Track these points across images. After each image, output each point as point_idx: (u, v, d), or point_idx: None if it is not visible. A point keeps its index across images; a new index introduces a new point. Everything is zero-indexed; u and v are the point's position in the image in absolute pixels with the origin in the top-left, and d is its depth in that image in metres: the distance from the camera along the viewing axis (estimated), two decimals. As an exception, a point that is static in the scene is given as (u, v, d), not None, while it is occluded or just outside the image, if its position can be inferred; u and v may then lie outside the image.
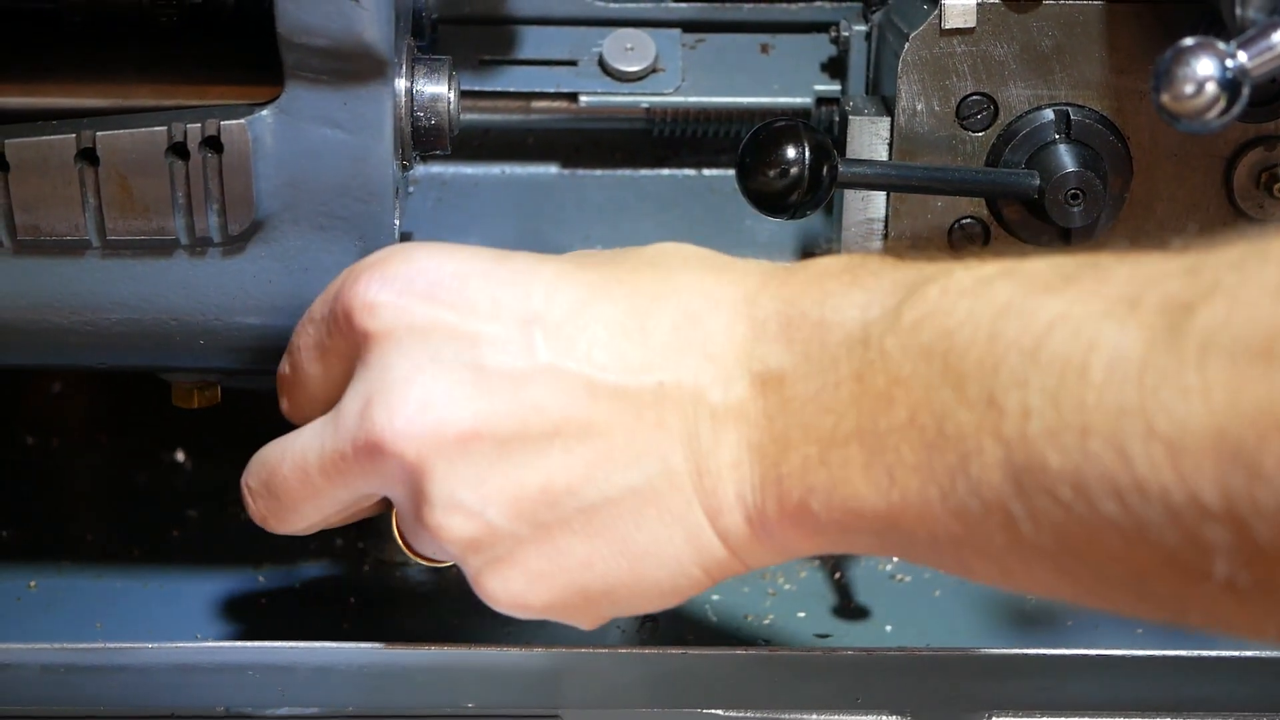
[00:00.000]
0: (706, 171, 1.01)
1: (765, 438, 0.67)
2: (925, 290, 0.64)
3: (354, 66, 0.76)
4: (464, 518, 0.69)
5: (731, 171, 1.00)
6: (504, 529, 0.69)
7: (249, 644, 0.86)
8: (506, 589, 0.71)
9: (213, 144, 0.77)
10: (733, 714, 0.87)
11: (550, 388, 0.68)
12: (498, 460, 0.68)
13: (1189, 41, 0.66)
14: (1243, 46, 0.66)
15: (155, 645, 0.86)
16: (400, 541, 0.77)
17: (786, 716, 0.87)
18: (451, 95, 0.82)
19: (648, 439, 0.68)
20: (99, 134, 0.77)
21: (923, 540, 0.63)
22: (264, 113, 0.77)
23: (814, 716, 0.87)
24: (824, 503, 0.65)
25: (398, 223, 0.82)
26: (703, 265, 0.72)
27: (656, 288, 0.70)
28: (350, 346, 0.71)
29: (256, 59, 0.78)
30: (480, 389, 0.68)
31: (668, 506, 0.68)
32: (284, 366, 0.76)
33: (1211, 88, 0.65)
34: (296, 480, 0.73)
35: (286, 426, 1.11)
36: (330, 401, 0.73)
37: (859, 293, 0.67)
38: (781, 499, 0.67)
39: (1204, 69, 0.65)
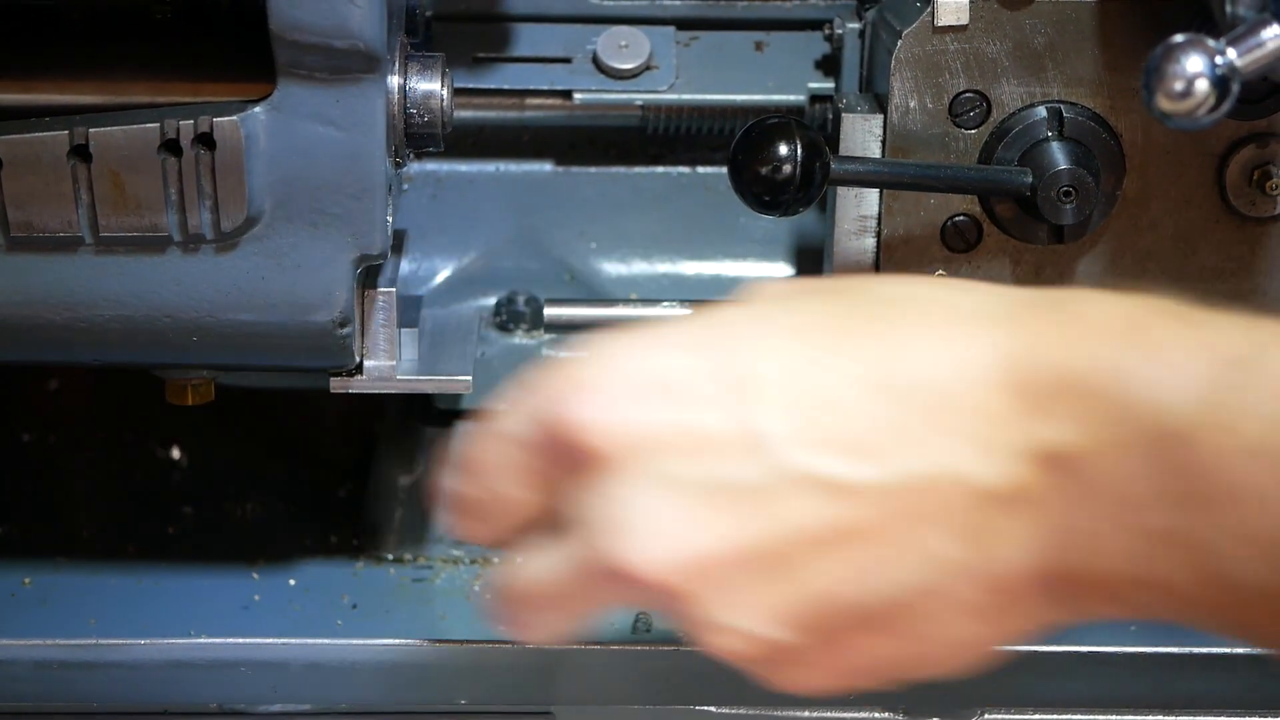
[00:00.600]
0: (701, 169, 1.02)
1: (1059, 523, 0.61)
2: (1257, 371, 0.57)
3: (347, 63, 0.76)
4: (740, 640, 0.64)
5: (725, 169, 1.01)
6: (779, 641, 0.64)
7: (242, 640, 0.87)
8: (800, 686, 0.67)
9: (205, 141, 0.77)
10: (725, 710, 0.88)
11: (799, 499, 0.62)
12: (761, 580, 0.63)
13: (1179, 38, 0.66)
14: (1232, 44, 0.66)
15: (148, 642, 0.86)
16: None
17: (779, 713, 0.87)
18: (444, 92, 0.82)
19: (915, 536, 0.62)
20: (92, 130, 0.77)
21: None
22: (257, 110, 0.77)
23: (807, 713, 0.88)
24: (1133, 587, 0.61)
25: (390, 220, 0.82)
26: (943, 316, 0.64)
27: (894, 353, 0.63)
28: (559, 469, 0.65)
29: (250, 56, 0.78)
30: (723, 508, 0.62)
31: (954, 597, 0.63)
32: (464, 486, 0.69)
33: (1201, 85, 0.65)
34: (554, 612, 0.68)
35: (284, 429, 1.11)
36: (531, 518, 0.68)
37: (1159, 366, 0.59)
38: (1085, 581, 0.62)
39: (1194, 66, 0.65)
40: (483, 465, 0.67)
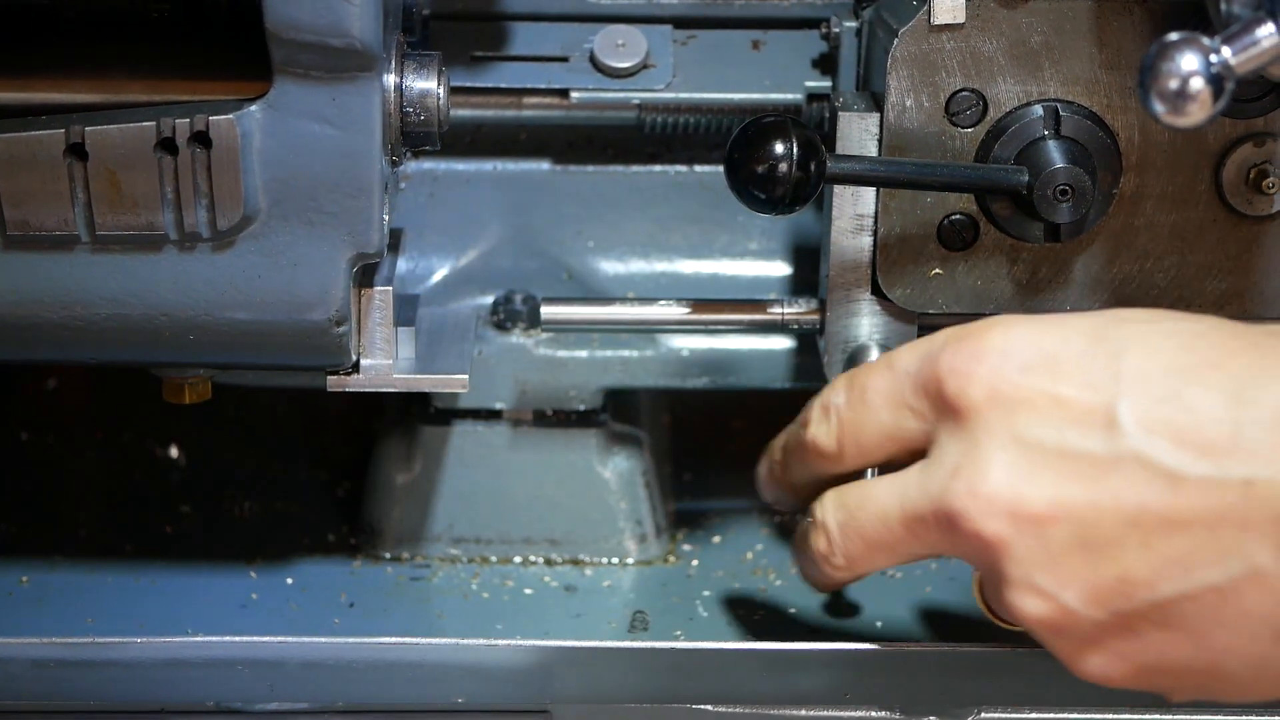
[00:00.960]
0: (698, 167, 1.01)
1: None
2: None
3: (343, 62, 0.76)
4: (1040, 600, 0.69)
5: (723, 167, 1.01)
6: (1080, 614, 0.69)
7: (239, 639, 0.86)
8: (1085, 670, 0.72)
9: (201, 139, 0.77)
10: (723, 709, 0.88)
11: (1132, 478, 0.67)
12: (1075, 546, 0.68)
13: (1173, 37, 0.66)
14: (1227, 42, 0.66)
15: (145, 640, 0.86)
16: (980, 601, 0.78)
17: (776, 712, 0.87)
18: (441, 91, 0.82)
19: (1231, 538, 0.66)
20: (88, 129, 0.77)
21: None
22: (253, 108, 0.77)
23: (804, 712, 0.88)
24: None
25: (387, 218, 0.82)
26: None
27: (1259, 368, 0.68)
28: (933, 409, 0.73)
29: (246, 55, 0.78)
30: (1062, 473, 0.68)
31: (1253, 607, 0.67)
32: (837, 399, 0.78)
33: (1196, 83, 0.65)
34: (877, 528, 0.76)
35: (283, 422, 1.11)
36: (883, 446, 0.76)
37: None
38: None
39: (1188, 64, 0.65)
40: (859, 383, 0.76)
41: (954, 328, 0.75)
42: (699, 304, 0.94)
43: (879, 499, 0.76)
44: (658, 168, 1.01)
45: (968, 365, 0.71)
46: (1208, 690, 0.70)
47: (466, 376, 0.87)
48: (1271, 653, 0.67)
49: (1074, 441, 0.68)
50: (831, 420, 0.79)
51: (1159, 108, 0.66)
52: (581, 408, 1.00)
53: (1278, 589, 0.66)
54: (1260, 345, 0.69)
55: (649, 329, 0.97)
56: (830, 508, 0.79)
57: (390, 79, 0.80)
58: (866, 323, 0.90)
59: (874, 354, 0.89)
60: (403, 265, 0.93)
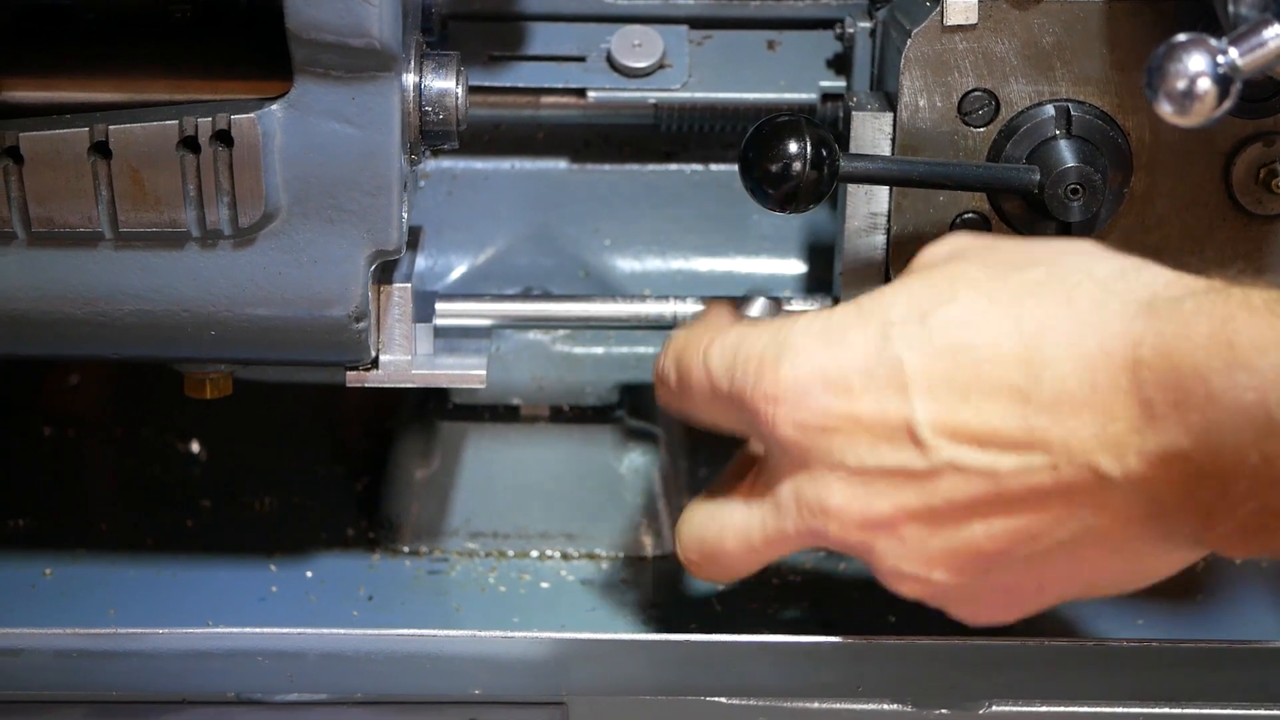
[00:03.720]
0: (714, 166, 1.02)
1: (1178, 494, 0.70)
2: None
3: (363, 62, 0.77)
4: (913, 583, 0.78)
5: (737, 166, 1.01)
6: (951, 583, 0.77)
7: (259, 630, 0.87)
8: (973, 619, 0.81)
9: (223, 138, 0.78)
10: (736, 701, 0.88)
11: (954, 480, 0.74)
12: (927, 537, 0.76)
13: (1181, 38, 0.66)
14: (1234, 43, 0.66)
15: (166, 631, 0.87)
16: None
17: (789, 704, 0.88)
18: (459, 90, 0.83)
19: (1057, 509, 0.73)
20: (112, 127, 0.78)
21: None
22: (274, 107, 0.78)
23: (816, 704, 0.88)
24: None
25: (406, 216, 0.83)
26: (1086, 301, 0.72)
27: (1032, 344, 0.72)
28: (752, 428, 0.80)
29: (267, 54, 0.79)
30: (893, 485, 0.75)
31: (1106, 546, 0.74)
32: (669, 372, 0.84)
33: (1203, 83, 0.66)
34: (740, 552, 0.83)
35: (302, 418, 1.12)
36: (708, 425, 0.83)
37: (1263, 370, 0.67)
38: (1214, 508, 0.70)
39: (1196, 65, 0.66)
40: (686, 375, 0.82)
41: (752, 345, 0.79)
42: (714, 301, 0.94)
43: (737, 527, 0.83)
44: (673, 166, 1.02)
45: (771, 405, 0.77)
46: (1084, 595, 0.79)
47: (484, 372, 0.88)
48: (1134, 568, 0.76)
49: (891, 459, 0.75)
50: (663, 390, 0.85)
51: (1166, 107, 0.67)
52: (598, 404, 1.01)
53: (1117, 535, 0.73)
54: (1015, 295, 0.74)
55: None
56: (690, 544, 0.85)
57: (409, 78, 0.81)
58: (879, 320, 0.90)
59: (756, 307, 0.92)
60: (421, 263, 0.94)
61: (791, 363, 0.77)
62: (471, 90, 0.92)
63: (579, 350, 1.00)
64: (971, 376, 0.73)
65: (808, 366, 0.76)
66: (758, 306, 0.91)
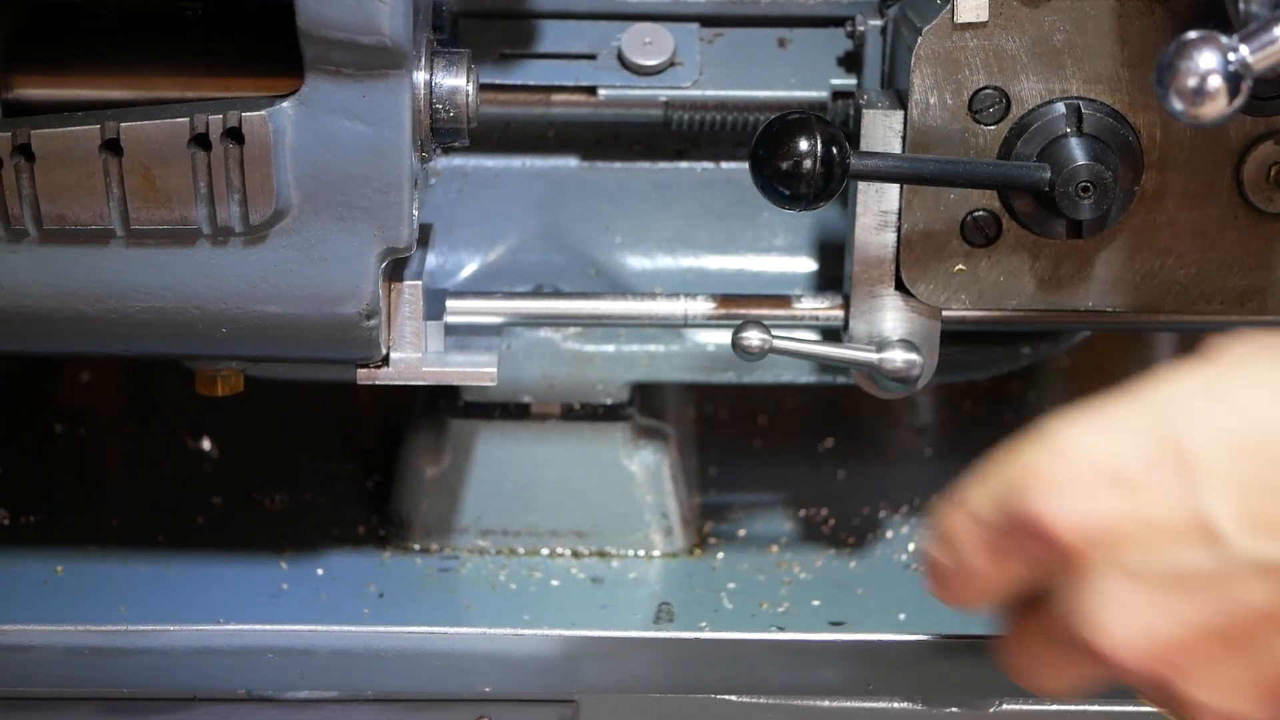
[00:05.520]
0: (724, 164, 1.02)
1: None
2: None
3: (373, 60, 0.77)
4: (1221, 718, 0.68)
5: (748, 164, 1.01)
6: (1262, 717, 0.68)
7: (269, 627, 0.87)
8: None
9: (234, 135, 0.78)
10: (747, 700, 0.88)
11: (1256, 583, 0.65)
12: (1230, 661, 0.66)
13: (1192, 35, 0.66)
14: (1245, 40, 0.66)
15: (177, 628, 0.87)
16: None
17: (800, 702, 0.88)
18: (470, 88, 0.83)
19: None
20: (123, 125, 0.78)
21: None
22: (285, 105, 0.78)
23: (827, 703, 0.88)
24: None
25: (416, 214, 0.83)
26: None
27: None
28: (1029, 551, 0.69)
29: (278, 52, 0.79)
30: (1189, 597, 0.65)
31: None
32: (938, 554, 0.73)
33: (1214, 81, 0.66)
34: (1045, 673, 0.72)
35: (313, 415, 1.12)
36: (1000, 590, 0.72)
37: None
38: None
39: (1206, 62, 0.65)
40: (954, 539, 0.71)
41: (1013, 461, 0.69)
42: (725, 299, 0.95)
43: (1030, 652, 0.72)
44: (684, 164, 1.02)
45: (1039, 509, 0.66)
46: None
47: (495, 370, 0.88)
48: None
49: (1183, 561, 0.65)
50: (937, 576, 0.74)
51: (1177, 105, 0.66)
52: (608, 402, 1.01)
53: None
54: None
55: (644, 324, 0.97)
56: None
57: (420, 76, 0.81)
58: (890, 318, 0.91)
59: (897, 351, 0.90)
60: (432, 260, 0.94)
61: (1062, 459, 0.66)
62: (482, 88, 0.92)
63: (589, 348, 1.00)
64: (1270, 450, 0.64)
65: (1079, 458, 0.66)
66: None
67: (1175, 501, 0.65)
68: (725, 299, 0.95)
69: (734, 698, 0.88)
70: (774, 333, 0.90)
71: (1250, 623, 0.65)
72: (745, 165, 1.00)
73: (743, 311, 0.94)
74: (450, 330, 0.90)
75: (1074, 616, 0.68)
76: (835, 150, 0.80)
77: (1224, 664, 0.66)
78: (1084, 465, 0.66)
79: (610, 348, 1.00)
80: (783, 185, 0.81)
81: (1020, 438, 0.68)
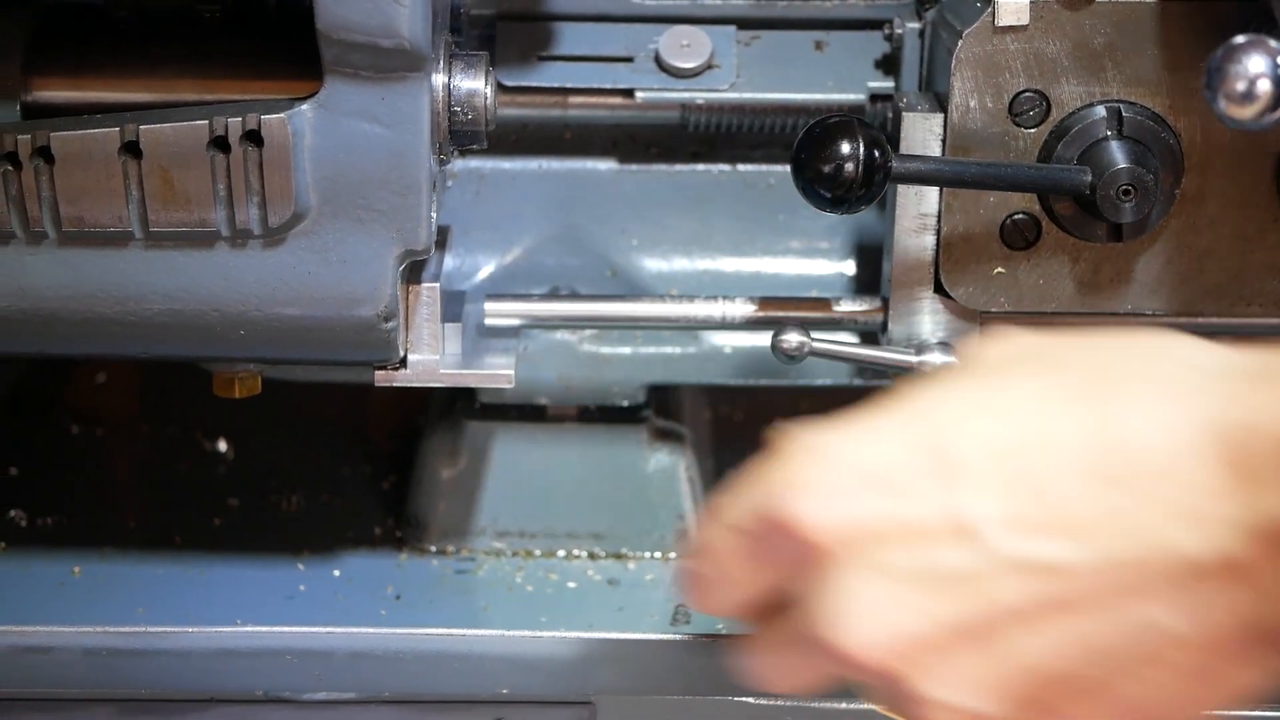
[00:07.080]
0: (741, 167, 1.01)
1: (1272, 589, 0.62)
2: None
3: (392, 62, 0.77)
4: (951, 715, 0.66)
5: (766, 167, 1.01)
6: (998, 715, 0.66)
7: (287, 629, 0.87)
8: None
9: (253, 138, 0.78)
10: (764, 701, 0.88)
11: (1011, 580, 0.64)
12: (969, 656, 0.65)
13: (1241, 39, 0.66)
14: (1293, 45, 0.66)
15: (195, 629, 0.87)
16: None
17: (816, 704, 0.88)
18: (488, 90, 0.82)
19: (1127, 609, 0.63)
20: (142, 127, 0.77)
21: None
22: (304, 107, 0.78)
23: (844, 705, 0.88)
24: None
25: (435, 216, 0.83)
26: (1157, 385, 0.64)
27: (1104, 428, 0.63)
28: (785, 555, 0.68)
29: (297, 55, 0.78)
30: (937, 594, 0.64)
31: (1167, 664, 0.64)
32: (695, 565, 0.72)
33: (1264, 85, 0.65)
34: (781, 674, 0.72)
35: (330, 417, 1.12)
36: (755, 596, 0.71)
37: None
38: None
39: (1255, 66, 0.65)
40: (713, 549, 0.70)
41: (773, 470, 0.67)
42: (764, 301, 0.94)
43: (777, 658, 0.71)
44: (701, 167, 1.01)
45: (795, 510, 0.66)
46: None
47: (512, 372, 0.88)
48: (1188, 691, 0.65)
49: (937, 560, 0.64)
50: (693, 586, 0.73)
51: (1225, 108, 0.66)
52: (625, 404, 1.01)
53: (1177, 640, 0.64)
54: (1081, 386, 0.65)
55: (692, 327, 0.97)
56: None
57: (439, 79, 0.81)
58: (929, 321, 0.90)
59: (936, 353, 0.89)
60: (449, 262, 0.93)
61: (821, 465, 0.65)
62: (515, 90, 0.91)
63: (606, 350, 1.00)
64: (1038, 460, 0.63)
65: (841, 464, 0.65)
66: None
67: (936, 503, 0.64)
68: (765, 301, 0.94)
69: (751, 699, 0.88)
70: (812, 335, 0.89)
71: (998, 619, 0.64)
72: (762, 167, 1.00)
73: (782, 314, 0.93)
74: (467, 332, 0.90)
75: (813, 613, 0.67)
76: (877, 153, 0.79)
77: (965, 660, 0.65)
78: (845, 470, 0.65)
79: (626, 350, 1.00)
80: (825, 188, 0.80)
81: (780, 447, 0.67)
